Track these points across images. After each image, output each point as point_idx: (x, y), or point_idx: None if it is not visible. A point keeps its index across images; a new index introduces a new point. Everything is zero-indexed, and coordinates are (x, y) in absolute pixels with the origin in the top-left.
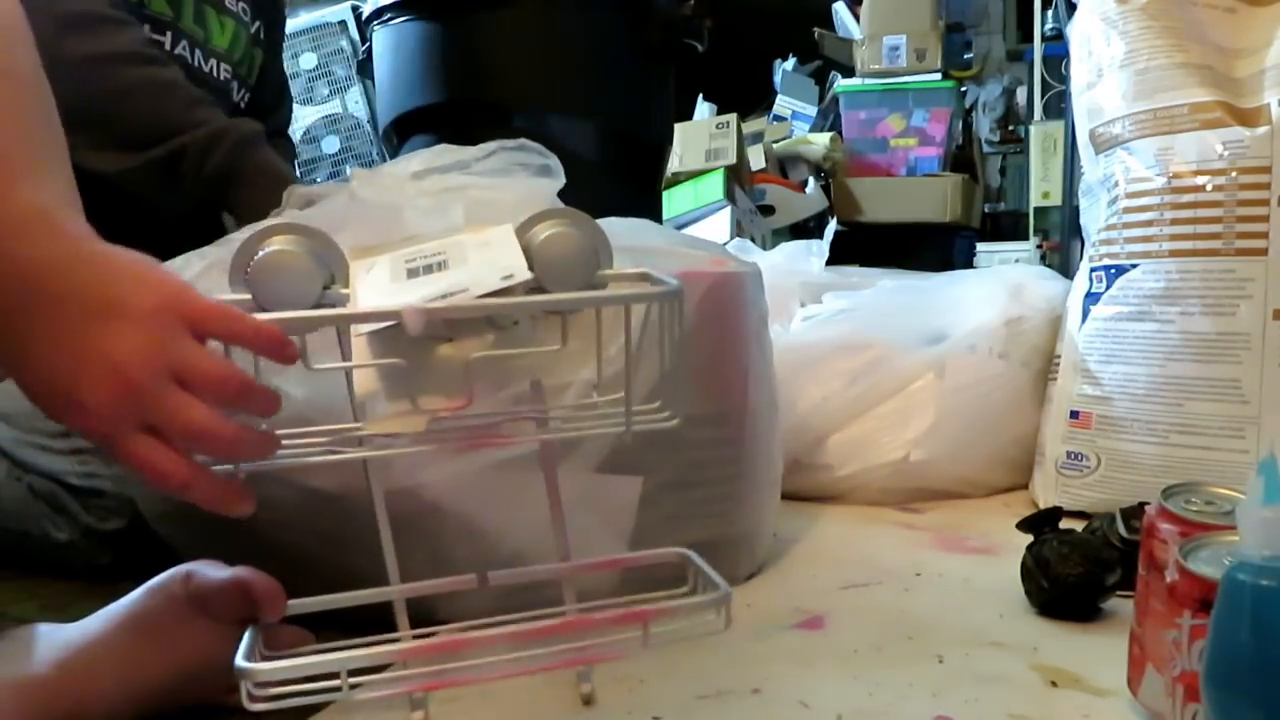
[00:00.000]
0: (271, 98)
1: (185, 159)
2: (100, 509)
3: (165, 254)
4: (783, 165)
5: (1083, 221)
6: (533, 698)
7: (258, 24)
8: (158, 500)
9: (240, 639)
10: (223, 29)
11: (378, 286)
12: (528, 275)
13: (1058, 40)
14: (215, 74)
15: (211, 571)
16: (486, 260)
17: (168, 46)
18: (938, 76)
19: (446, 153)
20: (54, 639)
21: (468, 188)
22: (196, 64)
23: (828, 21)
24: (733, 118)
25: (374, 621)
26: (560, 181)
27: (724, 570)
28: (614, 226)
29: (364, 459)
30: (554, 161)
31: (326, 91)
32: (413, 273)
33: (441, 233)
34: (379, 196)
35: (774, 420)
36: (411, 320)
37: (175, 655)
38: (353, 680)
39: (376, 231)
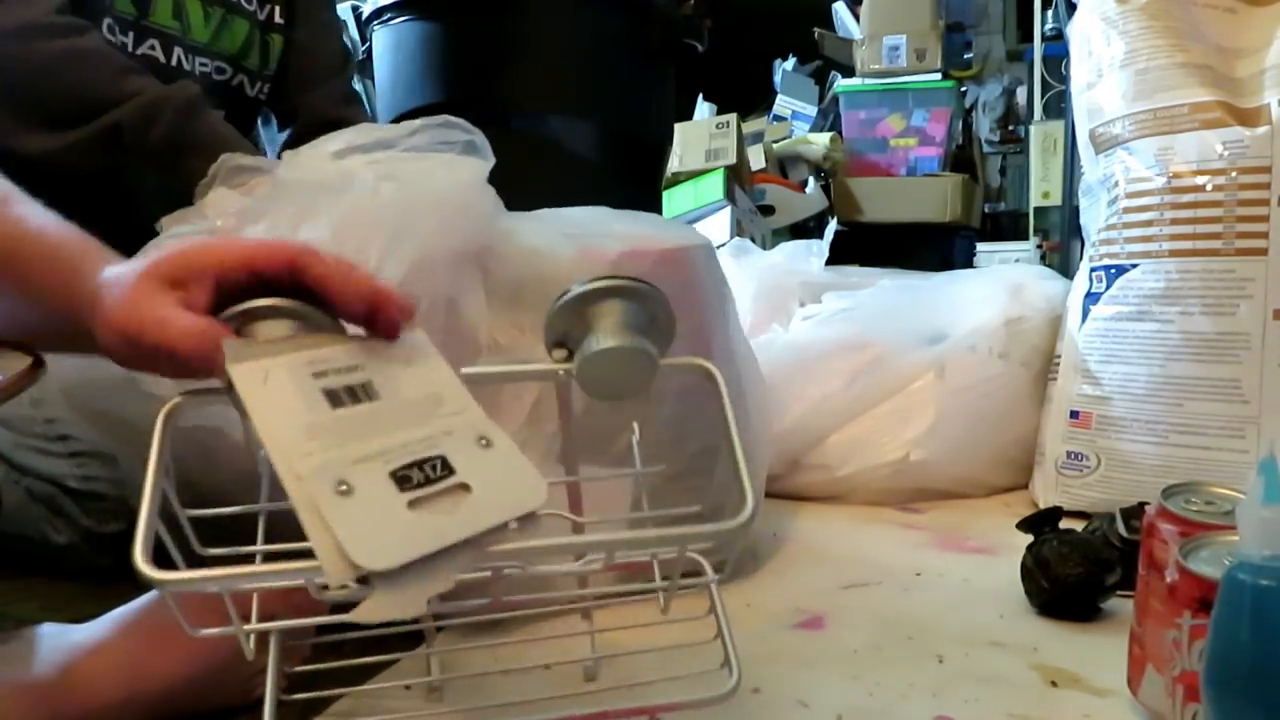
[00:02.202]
0: (317, 74)
1: (123, 133)
2: (99, 512)
3: (141, 233)
4: (783, 165)
5: (1083, 221)
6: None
7: (271, 6)
8: None
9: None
10: (207, 21)
11: (289, 410)
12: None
13: (1058, 40)
14: (193, 71)
15: None
16: (418, 380)
17: (131, 48)
18: (938, 76)
19: (371, 131)
20: (59, 641)
21: (394, 164)
22: (174, 62)
23: (828, 21)
24: (733, 118)
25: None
26: (489, 161)
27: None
28: (560, 214)
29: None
30: (479, 138)
31: None
32: (333, 396)
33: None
34: (304, 177)
35: (757, 391)
36: None
37: (186, 661)
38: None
39: (299, 217)
